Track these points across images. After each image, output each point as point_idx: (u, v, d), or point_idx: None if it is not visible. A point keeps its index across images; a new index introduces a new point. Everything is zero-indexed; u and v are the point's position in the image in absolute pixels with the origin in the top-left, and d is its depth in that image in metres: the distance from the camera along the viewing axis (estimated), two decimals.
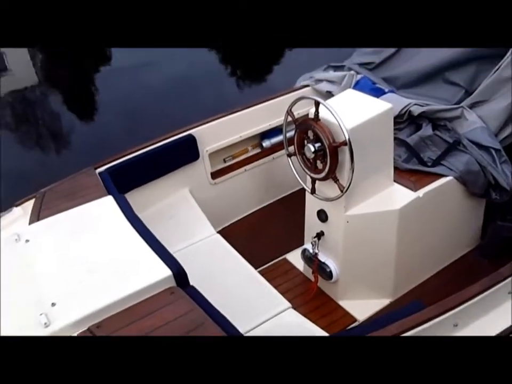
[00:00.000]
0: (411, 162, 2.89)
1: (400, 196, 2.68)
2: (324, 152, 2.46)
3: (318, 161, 2.54)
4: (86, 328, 1.83)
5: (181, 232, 3.01)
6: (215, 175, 3.44)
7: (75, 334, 1.83)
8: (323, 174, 2.53)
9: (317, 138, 2.48)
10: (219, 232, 3.13)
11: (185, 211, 3.20)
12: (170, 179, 3.23)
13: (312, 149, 2.48)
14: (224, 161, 3.52)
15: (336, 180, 2.49)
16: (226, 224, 3.50)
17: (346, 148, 2.35)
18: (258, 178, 3.59)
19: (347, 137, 2.30)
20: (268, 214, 3.62)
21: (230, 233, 3.17)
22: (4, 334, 1.84)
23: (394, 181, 2.74)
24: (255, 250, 3.09)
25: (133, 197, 2.74)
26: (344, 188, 2.45)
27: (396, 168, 2.75)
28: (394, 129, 2.68)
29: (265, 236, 3.40)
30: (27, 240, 2.25)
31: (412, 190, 2.69)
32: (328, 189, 2.61)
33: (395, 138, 2.76)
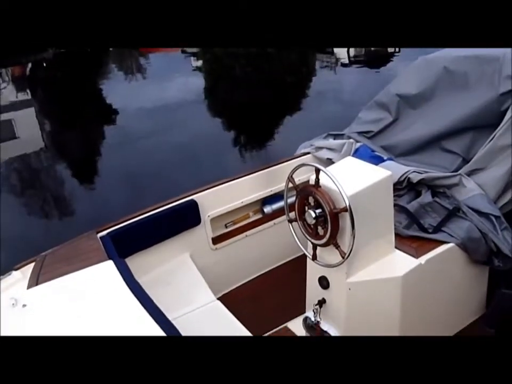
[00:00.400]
0: (412, 228, 2.89)
1: (402, 263, 2.66)
2: (324, 218, 2.48)
3: (319, 227, 2.55)
4: None
5: (181, 298, 2.96)
6: (216, 240, 3.44)
7: None
8: (324, 240, 2.53)
9: (317, 205, 2.50)
10: (219, 298, 3.09)
11: (185, 276, 3.17)
12: (171, 244, 3.23)
13: (313, 215, 2.50)
14: (226, 226, 3.54)
15: (337, 246, 2.48)
16: (227, 291, 3.46)
17: (347, 214, 2.37)
18: (259, 244, 3.59)
19: (347, 204, 2.33)
20: (269, 280, 3.58)
21: (230, 300, 3.12)
22: None
23: (396, 247, 2.73)
24: (256, 318, 3.02)
25: (133, 262, 2.73)
26: (345, 254, 2.44)
27: (397, 235, 2.75)
28: (394, 196, 2.71)
29: (266, 303, 3.34)
30: (24, 305, 2.22)
31: (414, 256, 2.68)
32: (329, 255, 2.60)
33: (395, 205, 2.78)
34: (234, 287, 3.52)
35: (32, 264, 2.67)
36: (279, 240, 3.60)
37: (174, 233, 3.23)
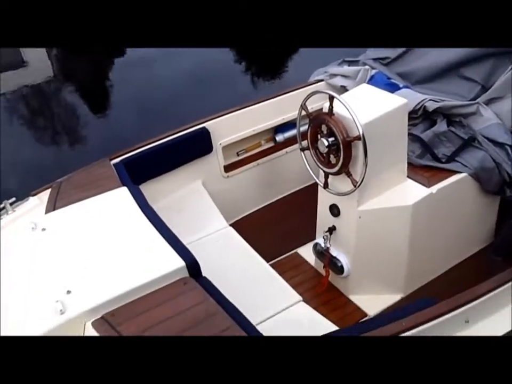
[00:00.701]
0: (425, 158, 2.88)
1: (413, 192, 2.67)
2: (337, 146, 2.46)
3: (331, 156, 2.55)
4: (100, 316, 1.87)
5: (193, 224, 3.03)
6: (228, 168, 3.45)
7: (89, 322, 1.86)
8: (336, 169, 2.53)
9: (330, 133, 2.48)
10: (231, 225, 3.15)
11: (198, 203, 3.22)
12: (184, 171, 3.25)
13: (326, 144, 2.48)
14: (237, 154, 3.54)
15: (349, 175, 2.49)
16: (239, 218, 3.52)
17: (360, 143, 2.35)
18: (271, 172, 3.60)
19: (361, 132, 2.30)
20: (280, 208, 3.63)
21: (242, 227, 3.19)
22: (20, 321, 1.87)
23: (408, 176, 2.73)
24: (267, 244, 3.10)
25: (146, 189, 2.77)
26: (357, 182, 2.45)
27: (409, 164, 2.75)
28: (409, 124, 2.67)
29: (277, 229, 3.41)
30: (43, 229, 2.29)
31: (425, 186, 2.68)
32: (341, 183, 2.61)
33: (409, 134, 2.75)
34: (246, 214, 3.59)
35: (49, 191, 2.72)
36: (291, 168, 3.61)
37: (186, 160, 3.24)
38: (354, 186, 2.47)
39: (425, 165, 2.82)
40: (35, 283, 2.03)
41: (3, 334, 1.83)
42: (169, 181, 3.20)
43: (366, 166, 2.38)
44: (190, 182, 3.30)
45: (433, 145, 2.88)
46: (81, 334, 1.87)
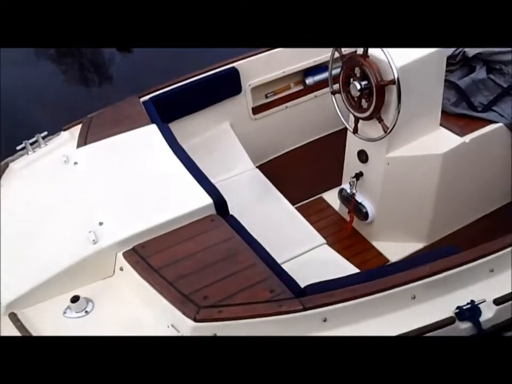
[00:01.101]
0: (460, 106, 2.79)
1: (445, 140, 2.61)
2: (370, 90, 2.40)
3: (363, 100, 2.49)
4: (130, 248, 1.94)
5: (221, 164, 3.05)
6: (256, 110, 3.42)
7: (120, 252, 1.94)
8: (367, 113, 2.48)
9: (364, 76, 2.41)
10: (258, 167, 3.16)
11: (225, 144, 3.23)
12: (212, 112, 3.24)
13: (358, 87, 2.42)
14: (266, 96, 3.49)
15: (380, 120, 2.44)
16: (265, 160, 3.52)
17: (394, 87, 2.29)
18: (299, 116, 3.56)
19: (396, 76, 2.23)
20: (307, 153, 3.61)
21: (268, 169, 3.20)
22: (55, 250, 1.96)
23: (441, 124, 2.67)
24: (292, 187, 3.11)
25: (174, 127, 2.77)
26: (388, 128, 2.41)
27: (443, 112, 2.67)
28: (446, 70, 2.57)
29: (302, 173, 3.41)
30: (75, 163, 2.35)
31: (458, 135, 2.62)
32: (371, 129, 2.57)
33: (446, 81, 2.65)
34: (272, 157, 3.58)
35: (79, 126, 2.76)
36: (319, 113, 3.56)
37: (215, 101, 3.22)
38: (385, 132, 2.43)
39: (460, 113, 2.74)
40: (68, 214, 2.10)
41: (40, 262, 1.92)
42: (197, 121, 3.20)
43: (399, 112, 2.32)
44: (218, 123, 3.29)
45: (470, 93, 2.78)
46: (113, 265, 1.96)
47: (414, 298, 1.80)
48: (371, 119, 2.49)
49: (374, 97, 2.38)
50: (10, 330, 1.79)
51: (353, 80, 2.47)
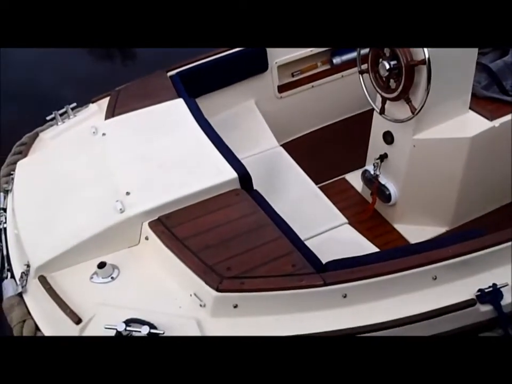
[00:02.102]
0: (491, 89, 2.73)
1: (474, 124, 2.57)
2: (399, 70, 2.37)
3: (392, 80, 2.46)
4: (156, 218, 1.98)
5: (245, 141, 3.06)
6: (282, 88, 3.41)
7: (146, 222, 1.98)
8: (395, 94, 2.46)
9: (393, 56, 2.38)
10: (282, 145, 3.16)
11: (250, 122, 3.23)
12: (238, 89, 3.24)
13: (387, 67, 2.39)
14: (292, 75, 3.47)
15: (408, 101, 2.41)
16: (290, 139, 3.52)
17: (424, 68, 2.25)
18: (325, 96, 3.53)
19: (427, 56, 2.20)
20: (331, 133, 3.60)
21: (292, 148, 3.19)
22: (83, 218, 2.00)
23: (470, 108, 2.62)
24: (315, 167, 3.10)
25: (199, 103, 2.79)
26: (416, 109, 2.38)
27: (473, 95, 2.62)
28: (478, 53, 2.52)
29: (326, 154, 3.40)
30: (104, 134, 2.39)
31: (488, 119, 2.57)
32: (398, 110, 2.55)
33: (477, 63, 2.60)
34: (297, 136, 3.58)
35: (107, 98, 2.79)
36: (346, 93, 3.52)
37: (241, 78, 3.21)
38: (413, 113, 2.40)
39: (490, 96, 2.68)
40: (96, 183, 2.15)
41: (69, 228, 1.97)
42: (223, 97, 3.20)
43: (428, 93, 2.29)
44: (243, 100, 3.29)
45: (501, 76, 2.72)
46: (138, 234, 2.00)
47: (435, 279, 1.80)
48: (399, 99, 2.47)
49: (403, 77, 2.35)
50: (39, 293, 1.86)
51: (382, 59, 2.44)
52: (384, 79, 2.50)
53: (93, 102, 2.83)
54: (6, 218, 2.21)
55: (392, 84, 2.47)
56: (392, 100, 2.51)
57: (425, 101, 2.32)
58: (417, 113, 2.39)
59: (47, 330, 1.78)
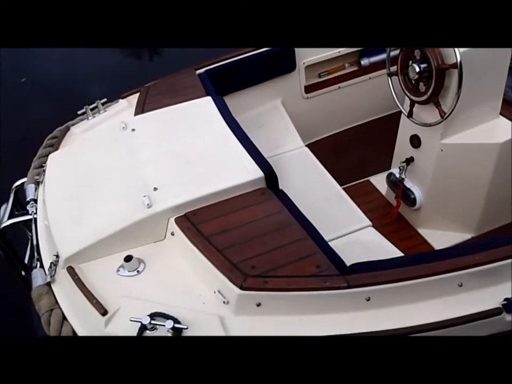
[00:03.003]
0: None
1: (504, 130, 2.53)
2: (429, 73, 2.36)
3: (421, 83, 2.44)
4: (182, 214, 2.00)
5: (270, 141, 3.07)
6: (308, 89, 3.41)
7: (172, 218, 2.01)
8: (424, 97, 2.44)
9: (424, 58, 2.36)
10: (307, 146, 3.16)
11: (276, 121, 3.24)
12: (264, 88, 3.25)
13: (417, 69, 2.38)
14: (319, 76, 3.47)
15: (437, 105, 2.39)
16: (315, 139, 3.52)
17: (455, 71, 2.23)
18: (351, 97, 3.52)
19: (459, 60, 2.18)
20: (357, 135, 3.58)
21: (317, 148, 3.19)
22: (111, 212, 2.04)
23: (501, 113, 2.58)
24: (339, 168, 3.10)
25: (227, 101, 2.81)
26: (445, 114, 2.36)
27: (504, 100, 2.58)
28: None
29: (351, 155, 3.39)
30: (133, 129, 2.42)
31: None
32: (426, 114, 2.52)
33: (510, 68, 2.56)
34: (322, 136, 3.57)
35: (137, 94, 2.83)
36: (373, 95, 3.50)
37: (268, 77, 3.22)
38: (442, 117, 2.38)
39: None
40: (125, 178, 2.18)
41: (97, 221, 2.01)
42: (250, 96, 3.22)
43: (458, 97, 2.27)
44: (270, 100, 3.30)
45: None
46: (165, 229, 2.03)
47: (461, 286, 1.78)
48: (428, 103, 2.45)
49: (433, 80, 2.33)
50: (67, 284, 1.91)
51: (412, 62, 2.43)
52: (413, 82, 2.48)
53: (122, 98, 2.88)
54: (36, 209, 2.27)
55: (422, 87, 2.45)
56: (421, 103, 2.49)
57: (455, 105, 2.29)
58: (446, 118, 2.36)
59: (74, 320, 1.83)
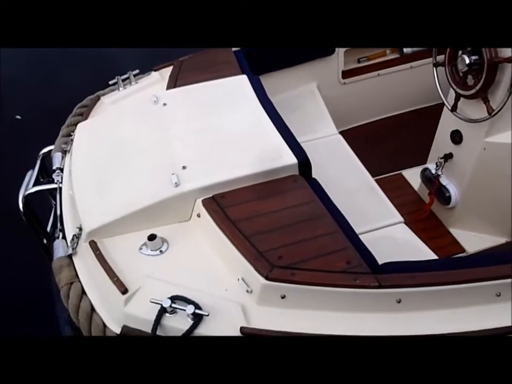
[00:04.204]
0: None
1: None
2: (480, 66, 2.22)
3: (470, 76, 2.31)
4: (210, 196, 1.93)
5: (304, 125, 2.96)
6: (346, 74, 3.28)
7: (200, 199, 1.94)
8: (472, 91, 2.30)
9: (475, 50, 2.22)
10: (340, 133, 3.05)
11: (311, 106, 3.13)
12: (301, 70, 3.13)
13: (467, 61, 2.25)
14: (358, 61, 3.34)
15: (486, 101, 2.26)
16: (349, 127, 3.41)
17: (509, 66, 2.09)
18: (391, 85, 3.38)
19: None
20: (393, 125, 3.45)
21: (351, 136, 3.07)
22: (138, 189, 1.98)
23: None
24: (372, 159, 2.98)
25: (262, 81, 2.71)
26: (493, 110, 2.23)
27: None
28: None
29: (385, 146, 3.28)
30: (164, 104, 2.35)
31: None
32: (472, 109, 2.39)
33: None
34: (357, 124, 3.46)
35: (170, 68, 2.75)
36: (413, 85, 3.36)
37: (305, 59, 3.10)
38: (489, 114, 2.25)
39: None
40: (153, 154, 2.12)
41: (123, 196, 1.96)
42: (285, 78, 3.11)
43: (510, 94, 2.13)
44: (306, 83, 3.19)
45: None
46: (191, 210, 1.97)
47: (499, 295, 1.68)
48: (475, 98, 2.31)
49: (484, 74, 2.20)
50: (88, 258, 1.87)
51: (463, 53, 2.29)
52: (461, 74, 2.35)
53: (155, 70, 2.80)
54: (62, 178, 2.23)
55: (470, 80, 2.32)
56: (468, 97, 2.35)
57: (505, 102, 2.16)
58: (494, 115, 2.23)
59: (93, 296, 1.79)
